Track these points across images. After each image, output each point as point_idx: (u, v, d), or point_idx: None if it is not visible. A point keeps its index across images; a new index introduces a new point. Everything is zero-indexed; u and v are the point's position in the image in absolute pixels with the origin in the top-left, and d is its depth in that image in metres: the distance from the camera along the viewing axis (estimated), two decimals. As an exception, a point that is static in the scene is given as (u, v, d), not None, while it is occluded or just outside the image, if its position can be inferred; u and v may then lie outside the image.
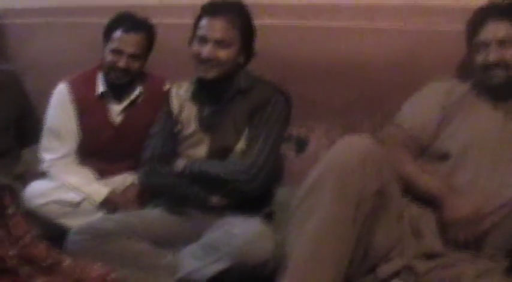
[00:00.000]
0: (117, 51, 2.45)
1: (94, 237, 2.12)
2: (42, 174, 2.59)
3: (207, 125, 2.31)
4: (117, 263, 2.05)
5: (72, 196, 2.45)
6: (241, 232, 2.03)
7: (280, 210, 2.30)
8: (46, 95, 2.64)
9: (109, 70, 2.49)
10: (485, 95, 2.10)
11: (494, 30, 2.02)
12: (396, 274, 1.87)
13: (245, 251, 1.97)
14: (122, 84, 2.52)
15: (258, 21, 2.32)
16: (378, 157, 1.81)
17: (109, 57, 2.47)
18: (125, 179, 2.59)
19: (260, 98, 2.26)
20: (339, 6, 2.52)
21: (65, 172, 2.53)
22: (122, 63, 2.44)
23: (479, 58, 2.06)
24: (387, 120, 2.32)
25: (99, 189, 2.48)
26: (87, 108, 2.55)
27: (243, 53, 2.27)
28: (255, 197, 2.23)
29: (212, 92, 2.30)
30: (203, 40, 2.22)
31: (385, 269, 1.87)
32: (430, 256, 1.90)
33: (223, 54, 2.20)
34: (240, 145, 2.26)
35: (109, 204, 2.46)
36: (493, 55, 2.01)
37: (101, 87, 2.54)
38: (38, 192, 2.45)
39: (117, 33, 2.46)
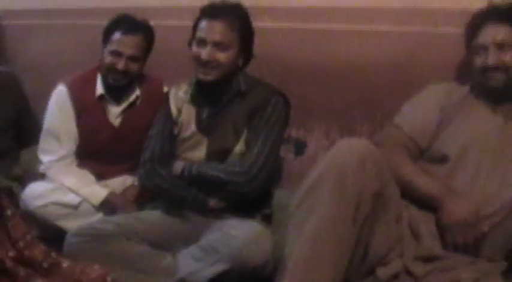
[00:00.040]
0: (116, 53, 2.45)
1: (93, 238, 2.13)
2: (41, 176, 2.59)
3: (205, 127, 2.31)
4: (116, 264, 2.06)
5: (71, 198, 2.45)
6: (240, 234, 2.03)
7: (279, 212, 2.30)
8: (45, 96, 2.64)
9: (108, 72, 2.49)
10: (484, 97, 2.10)
11: (493, 33, 2.02)
12: (395, 277, 1.87)
13: (245, 253, 1.97)
14: (121, 86, 2.52)
15: (257, 24, 2.32)
16: (378, 158, 1.81)
17: (108, 59, 2.47)
18: (124, 181, 2.59)
19: (259, 99, 2.26)
20: (338, 8, 2.52)
21: (63, 174, 2.53)
22: (120, 65, 2.44)
23: (479, 61, 2.06)
24: (386, 122, 2.32)
25: (97, 191, 2.48)
26: (86, 109, 2.55)
27: (242, 55, 2.28)
28: (253, 199, 2.23)
29: (211, 94, 2.30)
30: (202, 42, 2.22)
31: (384, 271, 1.87)
32: (429, 258, 1.90)
33: (222, 56, 2.21)
34: (239, 147, 2.26)
35: (108, 205, 2.45)
36: (492, 58, 2.01)
37: (100, 89, 2.54)
38: (36, 194, 2.45)
39: (116, 35, 2.46)
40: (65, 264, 1.84)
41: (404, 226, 1.97)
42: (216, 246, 2.05)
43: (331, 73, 2.57)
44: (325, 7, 2.55)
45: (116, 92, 2.56)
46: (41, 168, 2.59)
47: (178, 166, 2.27)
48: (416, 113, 2.17)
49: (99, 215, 2.45)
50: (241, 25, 2.24)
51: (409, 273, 1.88)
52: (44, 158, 2.58)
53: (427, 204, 1.98)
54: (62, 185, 2.48)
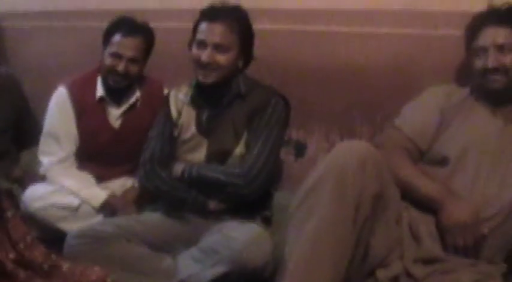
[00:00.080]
0: (116, 55, 2.45)
1: (93, 240, 2.12)
2: (41, 178, 2.59)
3: (205, 129, 2.31)
4: (116, 266, 2.06)
5: (71, 200, 2.45)
6: (240, 235, 2.03)
7: (279, 214, 2.30)
8: (45, 97, 2.65)
9: (108, 74, 2.49)
10: (484, 99, 2.10)
11: (493, 35, 2.02)
12: (396, 279, 1.87)
13: (244, 255, 1.97)
14: (121, 88, 2.53)
15: (257, 26, 2.32)
16: (378, 159, 1.82)
17: (108, 61, 2.47)
18: (124, 183, 2.59)
19: (259, 101, 2.26)
20: (338, 10, 2.52)
21: (63, 176, 2.53)
22: (121, 67, 2.44)
23: (479, 63, 2.06)
24: (387, 124, 2.32)
25: (97, 192, 2.48)
26: (87, 111, 2.55)
27: (242, 57, 2.28)
28: (253, 201, 2.23)
29: (211, 96, 2.30)
30: (202, 44, 2.22)
31: (384, 273, 1.87)
32: (429, 260, 1.90)
33: (222, 58, 2.21)
34: (239, 149, 2.26)
35: (108, 207, 2.45)
36: (492, 60, 2.01)
37: (100, 91, 2.54)
38: (36, 196, 2.45)
39: (116, 37, 2.47)
40: (65, 266, 1.84)
41: (404, 228, 1.97)
42: (216, 248, 2.05)
43: (331, 75, 2.57)
44: (325, 9, 2.55)
45: (116, 94, 2.56)
46: (41, 170, 2.59)
47: (178, 168, 2.27)
48: (416, 115, 2.18)
49: (99, 217, 2.44)
50: (241, 27, 2.24)
51: (409, 275, 1.88)
52: (44, 159, 2.58)
53: (427, 206, 1.98)
54: (62, 186, 2.48)
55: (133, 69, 2.48)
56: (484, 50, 2.04)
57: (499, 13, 2.05)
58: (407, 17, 2.40)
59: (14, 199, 2.46)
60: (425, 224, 1.97)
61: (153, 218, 2.30)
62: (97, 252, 2.11)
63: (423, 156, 2.13)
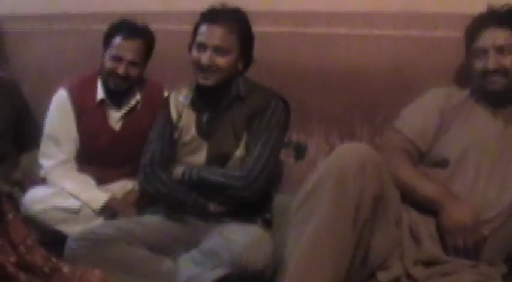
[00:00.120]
0: (116, 58, 2.46)
1: (93, 243, 2.12)
2: (41, 181, 2.59)
3: (206, 131, 2.31)
4: (116, 269, 2.06)
5: (72, 202, 2.45)
6: (240, 238, 2.03)
7: (279, 216, 2.30)
8: (45, 100, 2.65)
9: (108, 76, 2.49)
10: (484, 101, 2.10)
11: (493, 37, 2.02)
12: (396, 281, 1.87)
13: (245, 257, 1.97)
14: (121, 90, 2.53)
15: (256, 28, 2.32)
16: (378, 161, 1.82)
17: (108, 64, 2.47)
18: (124, 185, 2.60)
19: (259, 104, 2.26)
20: (338, 13, 2.52)
21: (64, 178, 2.53)
22: (121, 69, 2.45)
23: (479, 65, 2.05)
24: (387, 126, 2.32)
25: (98, 195, 2.48)
26: (87, 114, 2.55)
27: (241, 59, 2.28)
28: (253, 203, 2.23)
29: (211, 98, 2.30)
30: (202, 47, 2.22)
31: (385, 276, 1.87)
32: (429, 262, 1.90)
33: (222, 61, 2.21)
34: (239, 151, 2.26)
35: (108, 210, 2.45)
36: (492, 62, 2.01)
37: (100, 94, 2.55)
38: (37, 199, 2.45)
39: (117, 40, 2.47)
40: (66, 269, 1.84)
41: (404, 229, 1.97)
42: (217, 250, 2.04)
43: (331, 77, 2.57)
44: (325, 11, 2.55)
45: (116, 97, 2.56)
46: (42, 173, 2.59)
47: (178, 170, 2.28)
48: (416, 116, 2.17)
49: (100, 220, 2.44)
50: (241, 29, 2.25)
51: (409, 276, 1.88)
52: (45, 162, 2.58)
53: (427, 207, 1.98)
54: (63, 189, 2.48)
55: (134, 71, 2.49)
56: (484, 51, 2.04)
57: (498, 15, 2.05)
58: (407, 19, 2.40)
59: (14, 202, 2.46)
60: (425, 226, 1.97)
61: (153, 221, 2.30)
62: (97, 255, 2.11)
63: (423, 157, 2.13)
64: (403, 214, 1.99)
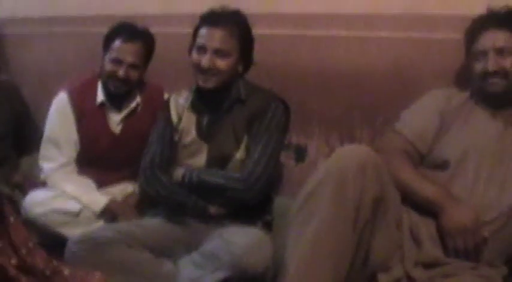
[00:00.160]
0: (116, 61, 2.46)
1: (94, 246, 2.12)
2: (42, 183, 2.59)
3: (206, 133, 2.31)
4: (117, 271, 2.06)
5: (72, 205, 2.45)
6: (240, 240, 2.03)
7: (279, 219, 2.30)
8: (45, 103, 2.65)
9: (108, 79, 2.49)
10: (483, 103, 2.10)
11: (493, 38, 2.02)
12: (397, 282, 1.88)
13: (245, 260, 1.97)
14: (122, 93, 2.53)
15: (256, 31, 2.32)
16: (378, 163, 1.82)
17: (108, 67, 2.47)
18: (124, 188, 2.60)
19: (259, 106, 2.26)
20: (337, 15, 2.52)
21: (64, 181, 2.53)
22: (121, 72, 2.45)
23: (478, 67, 2.06)
24: (387, 128, 2.32)
25: (98, 198, 2.48)
26: (87, 117, 2.55)
27: (241, 62, 2.28)
28: (253, 205, 2.23)
29: (211, 101, 2.30)
30: (202, 49, 2.22)
31: (386, 278, 1.87)
32: (430, 264, 1.90)
33: (222, 63, 2.21)
34: (239, 154, 2.26)
35: (109, 213, 2.45)
36: (491, 64, 2.01)
37: (100, 97, 2.55)
38: (37, 201, 2.45)
39: (117, 43, 2.47)
40: (66, 271, 1.84)
41: (405, 231, 1.97)
42: (217, 253, 2.04)
43: (331, 79, 2.57)
44: (325, 14, 2.55)
45: (116, 100, 2.56)
46: (42, 176, 2.59)
47: (178, 173, 2.27)
48: (416, 118, 2.18)
49: (100, 223, 2.44)
50: (241, 32, 2.25)
51: (410, 278, 1.88)
52: (45, 165, 2.58)
53: (427, 209, 1.98)
54: (63, 192, 2.48)
55: (134, 74, 2.49)
56: (484, 53, 2.04)
57: (498, 16, 2.05)
58: (407, 21, 2.40)
59: (14, 205, 2.46)
60: (425, 227, 1.97)
61: (153, 223, 2.30)
62: (98, 257, 2.10)
63: (423, 159, 2.13)
64: (404, 216, 1.99)
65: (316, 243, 1.74)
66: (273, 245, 2.08)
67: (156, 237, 2.24)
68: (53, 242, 2.24)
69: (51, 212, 2.42)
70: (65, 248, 2.14)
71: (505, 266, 1.96)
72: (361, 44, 2.51)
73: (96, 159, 2.59)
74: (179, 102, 2.37)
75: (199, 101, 2.33)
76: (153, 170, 2.29)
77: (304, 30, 2.61)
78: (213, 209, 2.24)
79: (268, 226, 2.29)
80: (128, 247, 2.15)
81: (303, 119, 2.61)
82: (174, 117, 2.35)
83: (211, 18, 2.24)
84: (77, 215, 2.44)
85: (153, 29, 2.59)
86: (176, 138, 2.34)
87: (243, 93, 2.28)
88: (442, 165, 2.06)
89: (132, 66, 2.47)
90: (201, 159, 2.30)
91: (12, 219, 1.77)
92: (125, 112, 2.58)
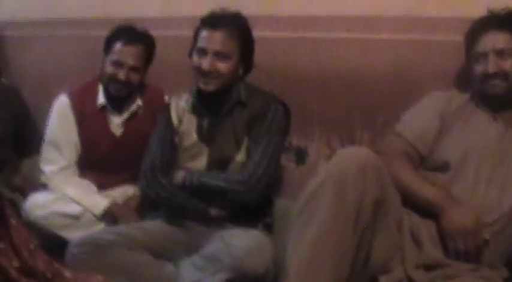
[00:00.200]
0: (117, 64, 2.46)
1: (95, 248, 2.12)
2: (42, 186, 2.59)
3: (206, 136, 2.31)
4: (118, 274, 2.06)
5: (73, 208, 2.45)
6: (241, 243, 2.03)
7: (280, 221, 2.30)
8: (46, 106, 2.65)
9: (109, 82, 2.50)
10: (484, 104, 2.10)
11: (493, 40, 2.02)
12: (397, 284, 1.88)
13: (246, 262, 1.97)
14: (122, 96, 2.53)
15: (257, 33, 2.33)
16: (378, 165, 1.82)
17: (109, 70, 2.48)
18: (125, 191, 2.60)
19: (259, 108, 2.26)
20: (338, 17, 2.52)
21: (65, 184, 2.53)
22: (122, 75, 2.45)
23: (479, 68, 2.06)
24: (387, 130, 2.32)
25: (99, 201, 2.49)
26: (88, 119, 2.56)
27: (242, 64, 2.29)
28: (254, 208, 2.23)
29: (212, 103, 2.30)
30: (203, 52, 2.22)
31: (386, 280, 1.87)
32: (431, 266, 1.90)
33: (222, 66, 2.21)
34: (240, 156, 2.26)
35: (110, 215, 2.45)
36: (491, 65, 2.01)
37: (101, 99, 2.55)
38: (38, 204, 2.45)
39: (117, 46, 2.47)
40: (67, 274, 1.84)
41: (405, 233, 1.97)
42: (218, 255, 2.04)
43: (331, 81, 2.57)
44: (325, 16, 2.55)
45: (117, 102, 2.56)
46: (43, 178, 2.59)
47: (179, 175, 2.28)
48: (417, 120, 2.18)
49: (101, 225, 2.45)
50: (242, 35, 2.25)
51: (411, 280, 1.88)
52: (46, 168, 2.59)
53: (428, 211, 1.98)
54: (64, 195, 2.48)
55: (135, 77, 2.49)
56: (484, 55, 2.04)
57: (498, 18, 2.05)
58: (407, 23, 2.40)
59: (15, 207, 2.46)
60: (426, 229, 1.96)
61: (154, 226, 2.30)
62: (99, 260, 2.10)
63: (424, 161, 2.13)
64: (404, 217, 1.99)
65: (317, 245, 1.74)
66: (273, 247, 2.08)
67: (157, 239, 2.24)
68: (54, 245, 2.23)
69: (51, 214, 2.42)
70: (65, 251, 2.14)
71: (505, 267, 1.96)
72: (361, 46, 2.51)
73: (97, 161, 2.59)
74: (180, 105, 2.37)
75: (199, 103, 2.33)
76: (154, 172, 2.29)
77: (304, 33, 2.61)
78: (213, 212, 2.24)
79: (268, 228, 2.29)
80: (128, 250, 2.15)
81: (304, 121, 2.61)
82: (175, 120, 2.35)
83: (212, 21, 2.24)
84: (77, 217, 2.44)
85: (154, 32, 2.59)
86: (177, 140, 2.34)
87: (244, 95, 2.28)
88: (443, 167, 2.06)
89: (133, 68, 2.47)
90: (201, 162, 2.30)
91: (13, 221, 1.77)
92: (125, 115, 2.58)
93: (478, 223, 1.90)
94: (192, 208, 2.24)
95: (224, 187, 2.19)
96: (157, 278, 2.13)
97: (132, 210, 2.50)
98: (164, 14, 2.92)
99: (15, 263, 1.70)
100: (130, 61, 2.46)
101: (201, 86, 2.23)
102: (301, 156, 2.68)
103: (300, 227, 1.79)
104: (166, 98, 2.58)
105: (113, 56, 2.47)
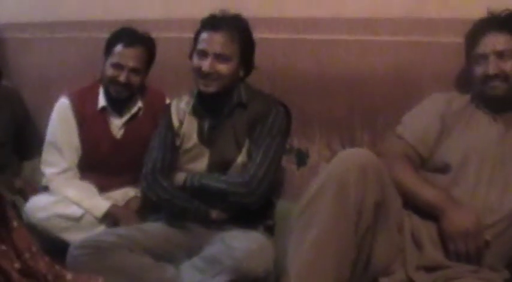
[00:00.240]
0: (117, 66, 2.46)
1: (96, 251, 2.12)
2: (43, 188, 2.59)
3: (207, 138, 2.31)
4: (119, 276, 2.06)
5: (74, 210, 2.45)
6: (242, 245, 2.03)
7: (281, 223, 2.30)
8: (46, 108, 2.65)
9: (110, 84, 2.50)
10: (484, 106, 2.10)
11: (493, 42, 2.02)
12: (398, 286, 1.88)
13: (246, 264, 1.97)
14: (123, 98, 2.53)
15: (257, 35, 2.33)
16: (379, 167, 1.82)
17: (110, 72, 2.48)
18: (126, 193, 2.60)
19: (260, 110, 2.26)
20: (338, 19, 2.52)
21: (66, 186, 2.53)
22: (122, 77, 2.45)
23: (479, 70, 2.06)
24: (388, 132, 2.32)
25: (100, 203, 2.49)
26: (89, 122, 2.56)
27: (242, 66, 2.29)
28: (255, 210, 2.23)
29: (212, 105, 2.30)
30: (203, 54, 2.22)
31: (387, 281, 1.87)
32: (431, 268, 1.90)
33: (223, 68, 2.21)
34: (241, 158, 2.26)
35: (111, 217, 2.46)
36: (492, 67, 2.01)
37: (102, 102, 2.55)
38: (39, 206, 2.45)
39: (118, 48, 2.48)
40: (69, 276, 1.85)
41: (406, 235, 1.97)
42: (219, 257, 2.04)
43: (331, 83, 2.57)
44: (325, 17, 2.55)
45: (118, 104, 2.57)
46: (44, 181, 2.59)
47: (180, 177, 2.28)
48: (417, 122, 2.17)
49: (102, 227, 2.45)
50: (242, 36, 2.25)
51: (412, 282, 1.89)
52: (47, 170, 2.59)
53: (429, 212, 1.98)
54: (65, 197, 2.48)
55: (135, 79, 2.49)
56: (484, 56, 2.04)
57: (498, 20, 2.05)
58: (408, 25, 2.40)
59: (16, 210, 2.47)
60: (427, 231, 1.96)
61: (155, 228, 2.30)
62: (99, 262, 2.11)
63: (424, 163, 2.13)
64: (405, 219, 1.99)
65: (318, 246, 1.74)
66: (274, 249, 2.08)
67: (158, 241, 2.24)
68: (55, 247, 2.24)
69: (53, 217, 2.42)
70: (66, 253, 2.14)
71: (506, 269, 1.96)
72: (361, 48, 2.51)
73: (98, 164, 2.59)
74: (180, 107, 2.37)
75: (200, 105, 2.33)
76: (155, 175, 2.29)
77: (304, 34, 2.61)
78: (214, 214, 2.24)
79: (269, 230, 2.29)
80: (129, 252, 2.16)
81: (304, 123, 2.61)
82: (175, 122, 2.35)
83: (212, 23, 2.25)
84: (78, 220, 2.44)
85: (154, 34, 2.60)
86: (177, 143, 2.34)
87: (244, 97, 2.29)
88: (443, 169, 2.06)
89: (134, 71, 2.48)
90: (202, 164, 2.30)
91: (15, 223, 1.77)
92: (126, 117, 2.58)
93: (478, 225, 1.90)
94: (193, 210, 2.24)
95: (225, 189, 2.19)
96: (158, 280, 2.13)
97: (133, 212, 2.50)
98: (165, 16, 2.92)
99: (17, 265, 1.70)
100: (130, 63, 2.46)
101: (202, 88, 2.23)
102: (302, 157, 2.68)
103: (301, 228, 1.79)
104: (167, 100, 2.58)
105: (114, 58, 2.47)
